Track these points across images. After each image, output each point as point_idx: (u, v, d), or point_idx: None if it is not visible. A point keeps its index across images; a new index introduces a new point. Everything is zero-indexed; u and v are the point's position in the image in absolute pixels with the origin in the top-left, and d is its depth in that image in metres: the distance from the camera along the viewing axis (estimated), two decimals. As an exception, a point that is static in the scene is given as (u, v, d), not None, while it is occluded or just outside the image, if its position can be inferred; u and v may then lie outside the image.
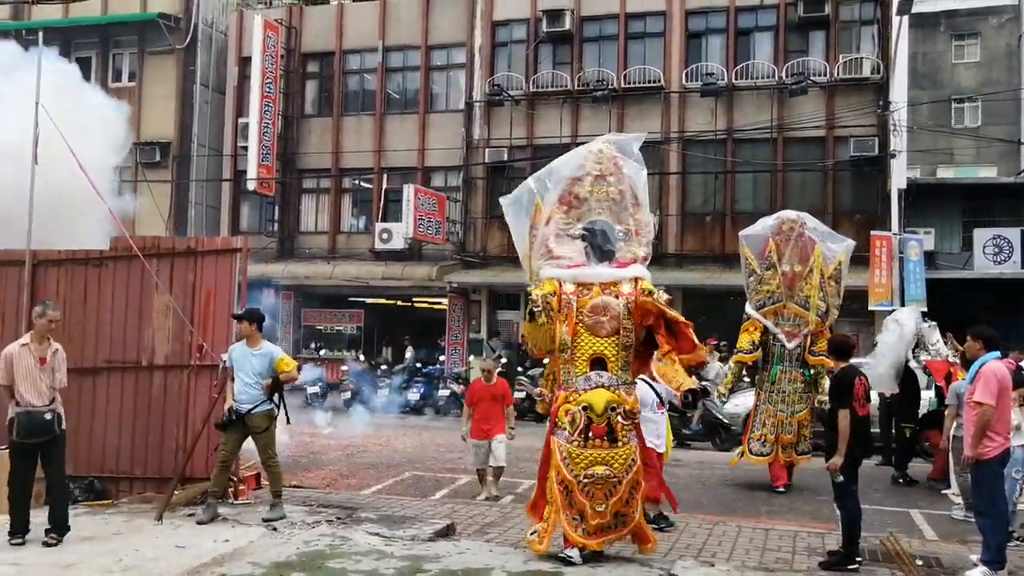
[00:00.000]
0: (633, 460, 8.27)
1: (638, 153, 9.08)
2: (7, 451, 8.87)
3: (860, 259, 24.24)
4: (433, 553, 8.57)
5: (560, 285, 8.45)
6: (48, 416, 8.71)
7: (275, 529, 9.31)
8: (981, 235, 25.01)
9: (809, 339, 13.54)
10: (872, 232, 23.99)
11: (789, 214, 14.18)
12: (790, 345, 13.56)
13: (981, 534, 8.23)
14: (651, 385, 10.25)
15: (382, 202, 29.49)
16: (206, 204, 31.53)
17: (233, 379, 9.87)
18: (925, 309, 23.41)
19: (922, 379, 15.70)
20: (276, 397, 9.97)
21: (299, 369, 10.74)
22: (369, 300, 30.37)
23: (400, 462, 15.32)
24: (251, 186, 29.23)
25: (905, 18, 24.30)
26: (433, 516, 10.32)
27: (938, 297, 23.20)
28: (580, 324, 8.36)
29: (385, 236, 27.76)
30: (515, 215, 9.37)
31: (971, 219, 26.93)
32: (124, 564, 7.91)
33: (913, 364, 15.19)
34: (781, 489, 13.25)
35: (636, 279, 8.51)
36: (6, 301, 11.49)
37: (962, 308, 22.36)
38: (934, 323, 15.18)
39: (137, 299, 11.07)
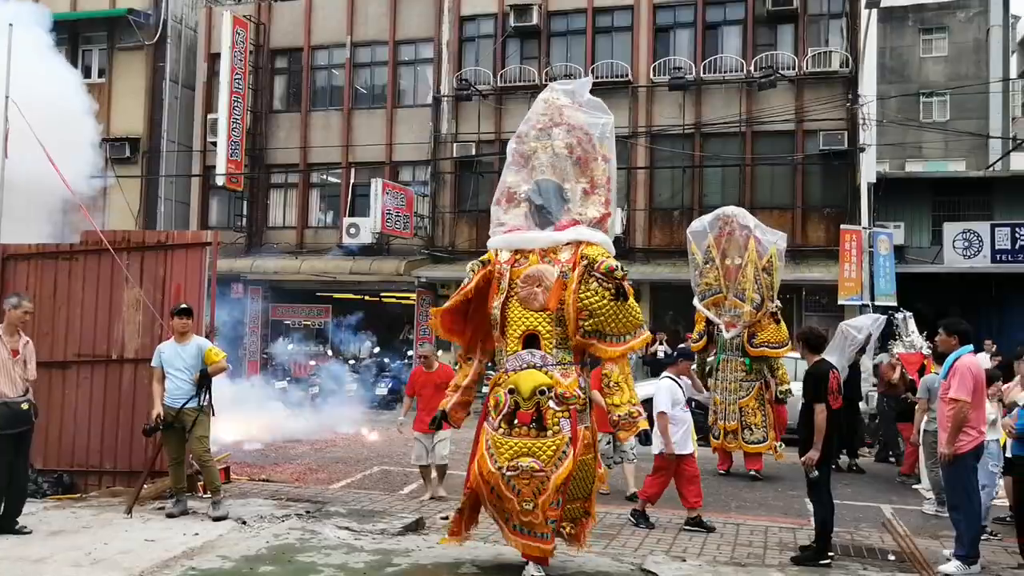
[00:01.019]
0: (564, 454, 7.09)
1: (592, 98, 8.00)
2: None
3: (830, 254, 24.52)
4: (403, 547, 8.56)
5: (496, 254, 7.71)
6: (25, 406, 8.74)
7: (244, 523, 9.28)
8: (951, 229, 25.20)
9: (748, 330, 14.10)
10: (842, 226, 24.19)
11: (726, 210, 14.94)
12: (728, 335, 14.23)
13: (955, 528, 8.28)
14: (676, 381, 10.34)
15: (350, 197, 29.35)
16: (175, 199, 31.35)
17: (162, 380, 9.72)
18: (895, 303, 23.69)
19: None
20: (203, 390, 9.80)
21: (228, 360, 10.43)
22: (337, 295, 30.26)
23: (368, 457, 15.30)
24: (220, 181, 29.08)
25: (874, 12, 24.47)
26: (402, 510, 10.33)
27: (908, 291, 23.42)
28: (513, 297, 7.46)
29: (353, 231, 27.64)
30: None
31: (940, 213, 27.15)
32: (93, 557, 7.86)
33: (866, 365, 15.73)
34: (721, 472, 14.15)
35: (578, 243, 7.45)
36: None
37: (932, 302, 22.58)
38: (909, 313, 15.39)
39: (107, 293, 11.05)
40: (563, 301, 7.24)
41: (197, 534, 8.76)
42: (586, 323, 7.26)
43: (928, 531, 10.28)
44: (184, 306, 9.95)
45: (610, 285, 7.15)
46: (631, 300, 7.22)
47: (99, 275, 11.07)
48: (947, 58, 36.61)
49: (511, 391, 7.20)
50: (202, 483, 10.56)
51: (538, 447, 7.09)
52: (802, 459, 8.65)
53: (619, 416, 7.39)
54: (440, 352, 25.04)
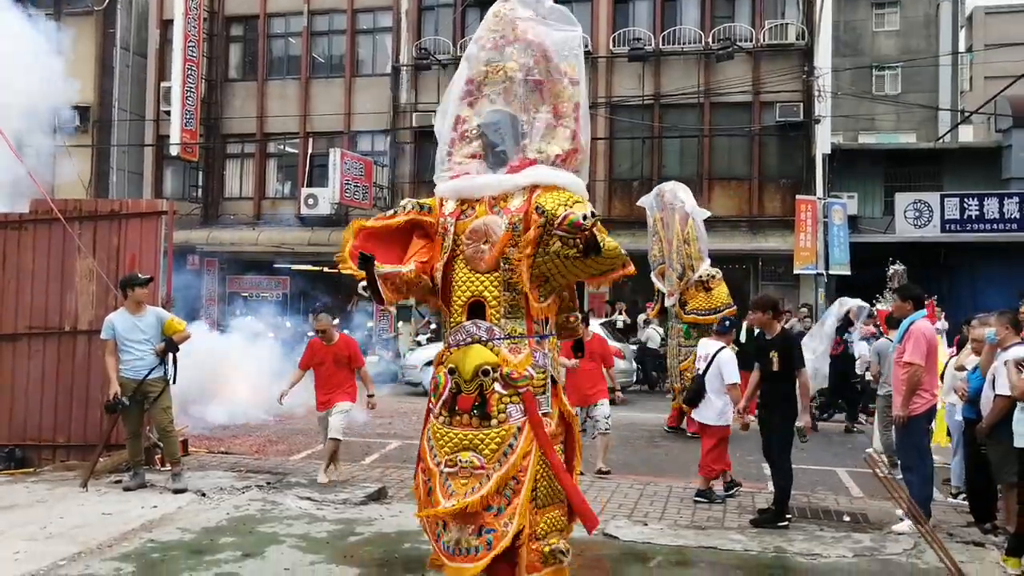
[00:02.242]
0: (510, 447, 5.67)
1: (556, 7, 6.42)
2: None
3: (786, 223, 24.74)
4: (365, 516, 8.52)
5: (441, 204, 6.16)
6: None
7: (204, 495, 9.18)
8: (902, 199, 25.49)
9: (681, 298, 14.80)
10: (797, 197, 24.42)
11: (664, 185, 15.73)
12: (668, 303, 15.12)
13: (907, 488, 8.39)
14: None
15: (308, 167, 29.10)
16: (128, 170, 30.87)
17: (115, 353, 9.51)
18: (848, 272, 23.97)
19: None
20: (169, 359, 9.68)
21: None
22: (295, 267, 30.03)
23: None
24: (174, 151, 28.66)
25: (829, -17, 24.60)
26: (364, 480, 10.28)
27: (861, 260, 23.68)
28: (459, 256, 5.95)
29: (311, 201, 27.42)
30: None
31: (892, 184, 27.44)
32: (49, 531, 7.73)
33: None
34: (666, 429, 14.94)
35: (533, 188, 5.86)
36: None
37: (884, 271, 22.83)
38: (903, 268, 15.57)
39: (59, 263, 10.78)
40: (508, 259, 5.77)
41: (155, 507, 8.65)
42: (543, 288, 5.88)
43: (882, 493, 10.41)
44: (148, 276, 9.80)
45: (577, 242, 5.43)
46: (607, 243, 5.56)
47: (50, 245, 10.80)
48: (899, 32, 36.90)
49: (451, 371, 5.81)
50: (160, 455, 10.45)
51: (480, 439, 5.70)
52: (797, 424, 8.71)
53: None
54: (400, 323, 25.11)
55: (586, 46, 26.57)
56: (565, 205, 5.59)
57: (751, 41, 25.96)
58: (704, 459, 9.79)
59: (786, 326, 10.55)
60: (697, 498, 9.60)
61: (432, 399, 5.99)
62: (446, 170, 6.29)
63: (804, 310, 22.20)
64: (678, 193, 15.21)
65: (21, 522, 8.03)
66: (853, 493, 10.67)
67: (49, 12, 30.86)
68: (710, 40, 26.22)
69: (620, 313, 23.43)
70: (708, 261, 14.91)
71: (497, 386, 5.72)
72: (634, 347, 21.50)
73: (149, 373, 9.50)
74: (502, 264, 5.80)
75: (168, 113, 28.87)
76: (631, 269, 6.01)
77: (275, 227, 28.87)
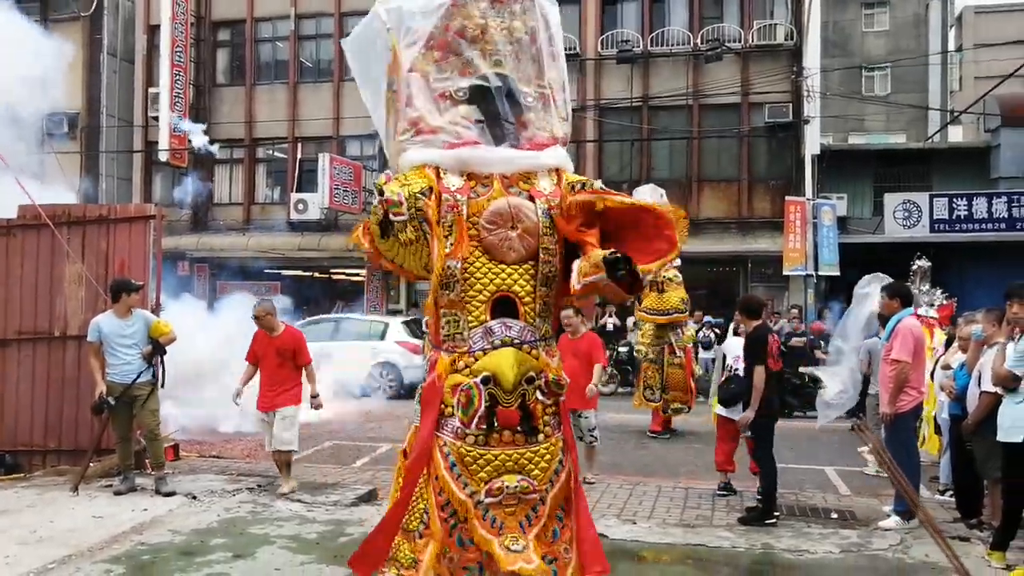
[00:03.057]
0: (561, 464, 5.04)
1: None
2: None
3: (775, 225, 24.80)
4: (356, 517, 8.55)
5: (439, 176, 5.07)
6: None
7: (195, 498, 9.20)
8: (891, 200, 25.55)
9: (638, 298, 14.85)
10: (787, 198, 24.48)
11: (638, 189, 15.39)
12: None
13: (893, 485, 8.46)
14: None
15: (297, 172, 29.10)
16: (117, 176, 30.82)
17: (100, 355, 9.51)
18: (838, 273, 24.03)
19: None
20: (157, 362, 9.65)
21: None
22: (286, 272, 30.01)
23: (319, 432, 15.19)
24: (163, 157, 28.65)
25: (817, -16, 24.69)
26: (355, 482, 10.31)
27: (850, 261, 23.71)
28: (475, 242, 5.02)
29: (301, 206, 27.42)
30: (363, 66, 5.81)
31: (881, 184, 27.51)
32: (39, 535, 7.74)
33: None
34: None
35: (558, 170, 5.27)
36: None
37: (874, 271, 22.87)
38: (928, 264, 15.25)
39: (48, 268, 10.77)
40: (547, 248, 5.03)
41: (146, 510, 8.66)
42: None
43: (869, 491, 10.50)
44: (140, 283, 9.83)
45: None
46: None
47: (39, 250, 10.80)
48: (888, 32, 37.02)
49: (485, 380, 4.82)
50: (149, 459, 10.45)
51: (528, 458, 4.90)
52: (738, 419, 8.96)
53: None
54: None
55: (574, 48, 26.67)
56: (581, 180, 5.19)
57: (740, 42, 26.04)
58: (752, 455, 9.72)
59: (775, 327, 10.62)
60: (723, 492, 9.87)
61: (460, 415, 4.87)
62: (423, 132, 5.20)
63: (794, 311, 22.28)
64: (637, 195, 15.20)
65: (11, 526, 8.03)
66: (841, 491, 10.72)
67: (35, 19, 30.93)
68: (698, 41, 26.29)
69: (610, 316, 23.45)
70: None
71: (539, 395, 4.95)
72: (624, 349, 21.53)
73: (138, 377, 9.49)
74: (541, 254, 5.01)
75: (156, 119, 28.81)
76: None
77: (265, 232, 28.85)
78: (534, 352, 4.98)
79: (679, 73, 26.47)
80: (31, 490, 9.55)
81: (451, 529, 4.85)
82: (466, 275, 4.99)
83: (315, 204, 26.98)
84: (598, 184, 5.15)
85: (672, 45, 26.65)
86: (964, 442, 8.49)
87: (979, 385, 8.04)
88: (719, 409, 9.88)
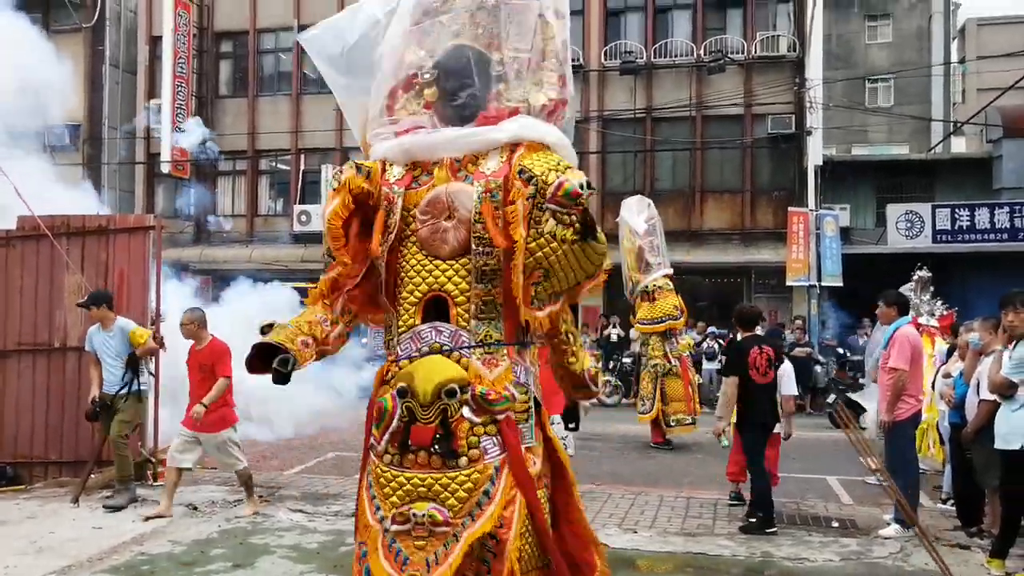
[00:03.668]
0: (486, 496, 4.08)
1: None
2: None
3: (778, 236, 24.79)
4: (357, 528, 8.52)
5: (384, 169, 4.49)
6: None
7: (195, 508, 9.20)
8: (894, 211, 25.53)
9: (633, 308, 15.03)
10: (789, 209, 24.47)
11: (632, 198, 15.79)
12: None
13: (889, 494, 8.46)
14: None
15: (300, 183, 29.13)
16: (119, 188, 30.86)
17: (98, 365, 9.56)
18: (841, 283, 23.99)
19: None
20: (132, 373, 9.53)
21: (158, 339, 10.04)
22: (290, 283, 29.99)
23: (322, 443, 15.19)
24: (165, 169, 28.70)
25: (819, -4, 24.74)
26: (357, 493, 10.26)
27: (853, 272, 23.70)
28: (410, 237, 4.36)
29: (304, 218, 27.48)
30: (329, 65, 5.02)
31: (884, 195, 27.48)
32: (39, 546, 7.73)
33: None
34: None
35: (513, 146, 4.29)
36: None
37: (876, 282, 22.84)
38: (929, 275, 15.03)
39: (47, 279, 10.76)
40: (481, 238, 4.20)
41: (147, 520, 8.64)
42: (539, 288, 4.19)
43: (870, 500, 10.49)
44: (88, 296, 9.70)
45: (574, 216, 4.00)
46: (599, 233, 4.20)
47: (38, 261, 10.78)
48: (891, 44, 37.01)
49: (401, 392, 4.12)
50: (151, 471, 10.44)
51: (443, 484, 4.07)
52: (712, 428, 9.36)
53: (585, 369, 4.92)
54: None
55: (577, 59, 26.72)
56: (556, 170, 4.12)
57: (743, 53, 26.09)
58: (771, 468, 9.60)
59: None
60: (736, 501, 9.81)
61: (374, 432, 4.28)
62: (385, 125, 4.62)
63: (798, 322, 22.30)
64: (624, 208, 15.40)
65: (10, 537, 8.03)
66: (843, 500, 10.73)
67: (37, 28, 31.08)
68: (702, 53, 26.34)
69: (614, 327, 23.46)
70: (660, 272, 14.77)
71: (466, 411, 4.12)
72: (628, 360, 21.55)
73: (122, 388, 9.46)
74: (474, 246, 4.22)
75: (158, 130, 28.88)
76: (605, 269, 4.49)
77: (268, 244, 28.88)
78: (464, 361, 4.22)
79: (682, 84, 26.51)
80: (32, 501, 9.55)
81: (361, 557, 4.28)
82: (400, 273, 4.39)
83: (318, 216, 26.99)
84: (568, 182, 3.98)
85: (675, 56, 26.72)
86: (964, 450, 8.50)
87: (977, 393, 8.06)
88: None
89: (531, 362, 4.51)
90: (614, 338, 23.05)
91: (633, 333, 22.49)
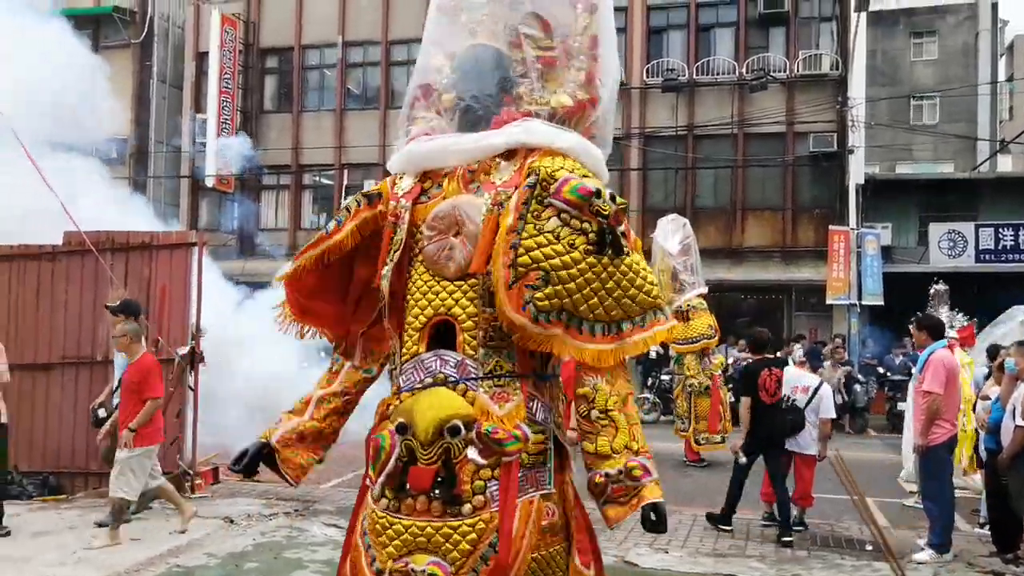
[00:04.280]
0: (492, 549, 3.55)
1: None
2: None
3: (819, 254, 24.64)
4: (390, 543, 8.57)
5: (394, 182, 4.10)
6: None
7: (231, 521, 9.32)
8: (936, 230, 25.34)
9: None
10: (830, 227, 24.33)
11: (666, 217, 15.99)
12: None
13: (928, 517, 8.41)
14: None
15: (343, 198, 29.34)
16: (164, 202, 31.26)
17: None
18: (882, 302, 23.81)
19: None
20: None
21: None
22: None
23: (358, 456, 15.21)
24: (209, 183, 29.05)
25: (863, 15, 24.64)
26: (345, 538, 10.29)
27: (895, 291, 23.51)
28: (419, 255, 3.90)
29: (347, 232, 27.63)
30: None
31: (927, 214, 27.26)
32: (78, 557, 7.87)
33: None
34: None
35: (525, 151, 3.81)
36: (-43, 296, 11.32)
37: (918, 301, 22.65)
38: (945, 287, 15.00)
39: (91, 294, 10.95)
40: (493, 259, 3.69)
41: (183, 532, 8.76)
42: (538, 294, 3.54)
43: (906, 522, 10.42)
44: (115, 305, 9.65)
45: (587, 223, 3.55)
46: (634, 257, 3.63)
47: (83, 276, 11.00)
48: (937, 61, 36.73)
49: (400, 428, 3.64)
50: (191, 483, 10.58)
51: (445, 535, 3.58)
52: (730, 446, 9.80)
53: (608, 475, 3.64)
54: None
55: (620, 77, 26.72)
56: (566, 170, 3.69)
57: (785, 71, 25.99)
58: (807, 488, 9.78)
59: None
60: (797, 527, 9.70)
61: (370, 472, 3.82)
62: (401, 137, 4.22)
63: (838, 340, 22.11)
64: (658, 227, 15.56)
65: (50, 547, 8.18)
66: (879, 523, 10.62)
67: (87, 46, 31.65)
68: (744, 71, 26.28)
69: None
70: (695, 291, 14.77)
71: (471, 452, 3.59)
72: (666, 377, 21.49)
73: (106, 417, 9.40)
74: (485, 263, 3.73)
75: (203, 144, 29.32)
76: (667, 324, 3.72)
77: (311, 257, 29.06)
78: (470, 394, 3.69)
79: (724, 102, 26.47)
80: (73, 511, 9.71)
81: None
82: (399, 296, 3.94)
83: (359, 230, 27.18)
84: (580, 181, 3.58)
85: (717, 74, 26.68)
86: (999, 476, 8.41)
87: (1013, 419, 7.98)
88: (789, 444, 9.87)
89: (552, 397, 3.91)
90: (652, 355, 22.95)
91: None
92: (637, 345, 3.65)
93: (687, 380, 14.43)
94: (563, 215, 3.53)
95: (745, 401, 9.49)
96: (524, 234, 3.55)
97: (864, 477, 13.37)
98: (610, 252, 3.54)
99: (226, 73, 29.10)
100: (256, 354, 12.94)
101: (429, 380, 3.73)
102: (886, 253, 25.72)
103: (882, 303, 24.11)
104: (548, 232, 3.53)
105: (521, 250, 3.53)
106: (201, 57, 30.64)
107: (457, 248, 3.77)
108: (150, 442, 8.38)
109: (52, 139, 13.37)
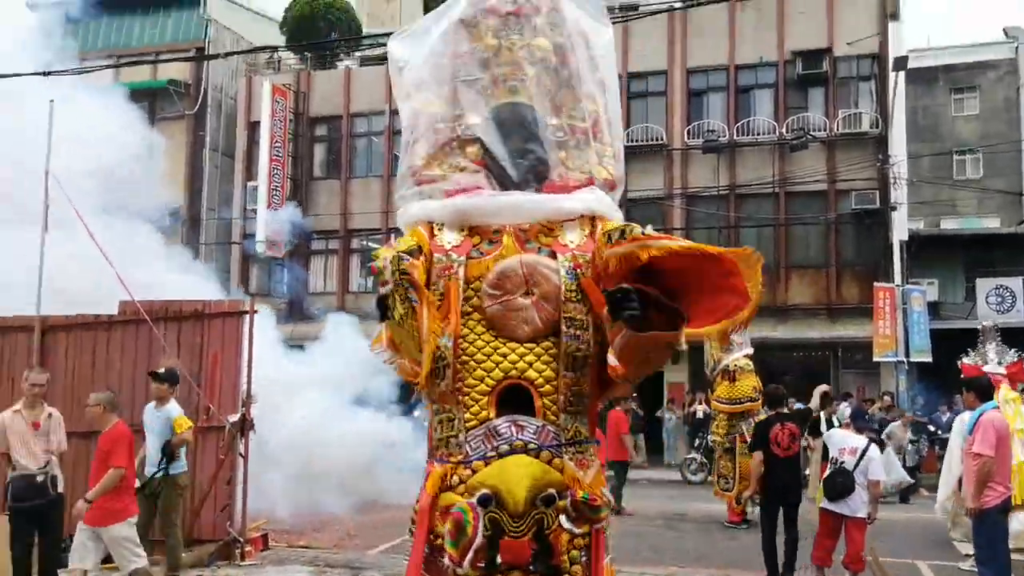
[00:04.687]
0: None
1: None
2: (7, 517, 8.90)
3: (864, 311, 24.52)
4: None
5: (432, 234, 4.01)
6: (40, 479, 8.47)
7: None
8: (984, 285, 25.17)
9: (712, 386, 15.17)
10: (875, 284, 24.22)
11: None
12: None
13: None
14: None
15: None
16: (216, 267, 31.80)
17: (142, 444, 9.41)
18: (930, 359, 23.57)
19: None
20: (167, 458, 9.33)
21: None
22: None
23: (408, 519, 15.29)
24: (260, 249, 29.56)
25: (902, 73, 24.69)
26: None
27: (943, 347, 23.27)
28: (473, 314, 3.83)
29: (393, 295, 27.88)
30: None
31: (974, 269, 27.06)
32: (130, 624, 8.01)
33: None
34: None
35: (593, 218, 3.99)
36: (16, 366, 11.59)
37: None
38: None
39: (145, 362, 11.16)
40: (572, 319, 3.75)
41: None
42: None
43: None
44: (159, 371, 9.82)
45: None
46: None
47: (137, 345, 11.30)
48: (978, 116, 36.57)
49: (484, 500, 3.49)
50: (241, 550, 10.70)
51: None
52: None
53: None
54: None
55: (661, 139, 27.03)
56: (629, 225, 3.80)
57: (825, 131, 26.12)
58: (858, 551, 9.66)
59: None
60: None
61: (450, 551, 3.54)
62: (423, 182, 4.14)
63: (887, 398, 21.94)
64: None
65: (105, 613, 8.33)
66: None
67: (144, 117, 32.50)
68: (784, 131, 26.44)
69: (700, 403, 23.29)
70: (742, 352, 14.80)
71: (564, 521, 3.49)
72: (712, 437, 21.39)
73: (157, 472, 9.37)
74: (564, 327, 3.71)
75: (255, 211, 29.91)
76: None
77: (360, 321, 29.35)
78: (557, 461, 3.63)
79: (765, 162, 26.60)
80: (125, 578, 9.86)
81: None
82: (463, 357, 3.77)
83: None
84: (646, 229, 3.70)
85: (757, 135, 26.86)
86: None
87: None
88: (824, 503, 9.82)
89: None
90: (700, 415, 22.90)
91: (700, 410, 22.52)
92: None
93: (708, 437, 14.62)
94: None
95: (757, 455, 9.89)
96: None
97: (917, 540, 13.33)
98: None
99: (276, 142, 29.75)
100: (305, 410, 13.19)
101: (505, 448, 3.63)
102: (933, 309, 25.53)
103: (930, 360, 23.90)
104: None
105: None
106: (252, 127, 31.41)
107: (531, 310, 3.73)
108: (127, 513, 8.15)
109: (109, 208, 13.84)
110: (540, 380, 3.70)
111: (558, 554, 3.49)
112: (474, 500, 3.49)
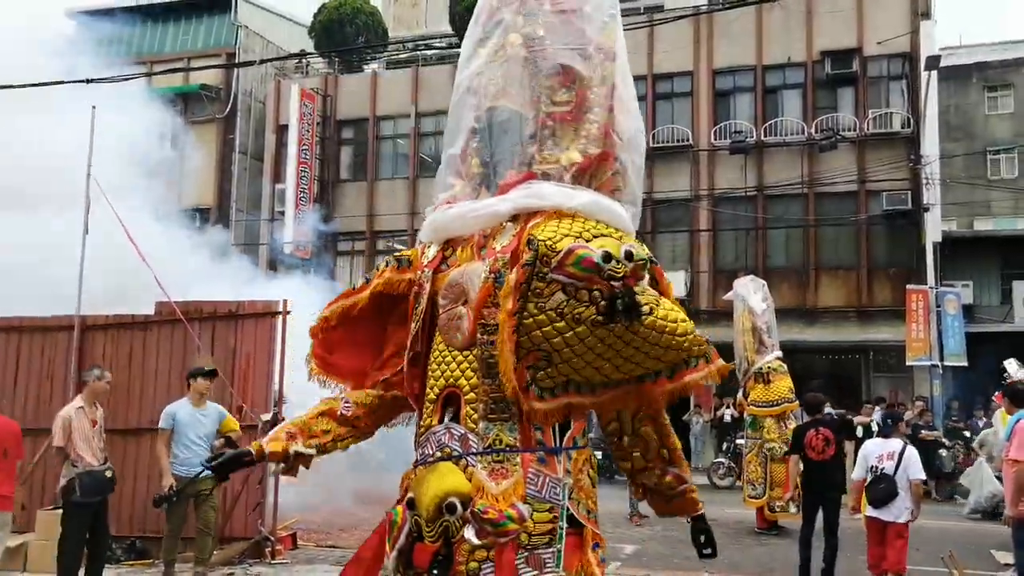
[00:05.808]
0: None
1: None
2: (58, 513, 8.94)
3: (896, 314, 24.28)
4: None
5: (422, 251, 4.12)
6: (108, 474, 8.77)
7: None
8: (1020, 287, 24.87)
9: (744, 389, 14.95)
10: (908, 286, 23.98)
11: (739, 279, 16.02)
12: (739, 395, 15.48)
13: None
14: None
15: (413, 264, 29.71)
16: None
17: (170, 444, 9.32)
18: (965, 363, 23.31)
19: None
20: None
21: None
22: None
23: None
24: (288, 250, 29.70)
25: (934, 73, 24.45)
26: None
27: (978, 351, 23.05)
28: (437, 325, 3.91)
29: (420, 296, 27.97)
30: None
31: (1010, 270, 26.76)
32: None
33: None
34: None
35: (525, 216, 3.69)
36: (56, 364, 11.78)
37: (1004, 361, 22.20)
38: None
39: (180, 362, 11.27)
40: (487, 326, 3.62)
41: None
42: (539, 374, 3.47)
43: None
44: (211, 368, 9.84)
45: (597, 291, 3.38)
46: (659, 313, 3.44)
47: (172, 344, 11.40)
48: (1013, 115, 36.20)
49: (411, 503, 3.62)
50: (270, 548, 10.70)
51: None
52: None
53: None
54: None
55: (687, 140, 26.91)
56: (575, 237, 3.48)
57: (855, 131, 25.90)
58: (901, 557, 9.51)
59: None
60: None
61: (388, 546, 3.70)
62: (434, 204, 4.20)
63: (920, 403, 21.65)
64: (739, 287, 15.47)
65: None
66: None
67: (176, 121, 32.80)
68: (813, 131, 26.24)
69: (728, 407, 23.10)
70: (774, 354, 14.66)
71: (468, 531, 3.43)
72: (740, 442, 21.27)
73: (203, 471, 9.50)
74: (479, 334, 3.63)
75: (282, 213, 30.14)
76: (718, 364, 3.66)
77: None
78: (470, 470, 3.55)
79: (794, 162, 26.42)
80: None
81: None
82: (430, 366, 3.87)
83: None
84: (581, 250, 3.43)
85: (786, 135, 26.67)
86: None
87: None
88: (869, 510, 9.71)
89: (566, 471, 3.66)
90: (728, 419, 22.75)
91: (730, 414, 22.29)
92: (683, 386, 3.60)
93: (765, 444, 14.22)
94: (568, 288, 3.39)
95: (793, 459, 10.45)
96: (525, 314, 3.42)
97: (955, 548, 13.11)
98: (622, 320, 3.38)
99: (304, 144, 29.98)
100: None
101: (438, 454, 3.65)
102: (967, 312, 25.25)
103: (965, 364, 23.62)
104: (551, 310, 3.40)
105: (522, 331, 3.41)
106: (281, 130, 31.65)
107: (464, 317, 3.72)
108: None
109: (144, 209, 13.95)
110: (467, 387, 3.70)
111: (456, 564, 3.45)
112: (405, 503, 3.66)
